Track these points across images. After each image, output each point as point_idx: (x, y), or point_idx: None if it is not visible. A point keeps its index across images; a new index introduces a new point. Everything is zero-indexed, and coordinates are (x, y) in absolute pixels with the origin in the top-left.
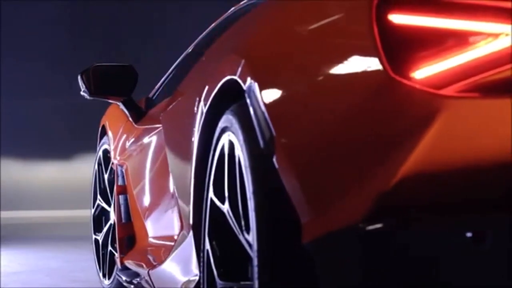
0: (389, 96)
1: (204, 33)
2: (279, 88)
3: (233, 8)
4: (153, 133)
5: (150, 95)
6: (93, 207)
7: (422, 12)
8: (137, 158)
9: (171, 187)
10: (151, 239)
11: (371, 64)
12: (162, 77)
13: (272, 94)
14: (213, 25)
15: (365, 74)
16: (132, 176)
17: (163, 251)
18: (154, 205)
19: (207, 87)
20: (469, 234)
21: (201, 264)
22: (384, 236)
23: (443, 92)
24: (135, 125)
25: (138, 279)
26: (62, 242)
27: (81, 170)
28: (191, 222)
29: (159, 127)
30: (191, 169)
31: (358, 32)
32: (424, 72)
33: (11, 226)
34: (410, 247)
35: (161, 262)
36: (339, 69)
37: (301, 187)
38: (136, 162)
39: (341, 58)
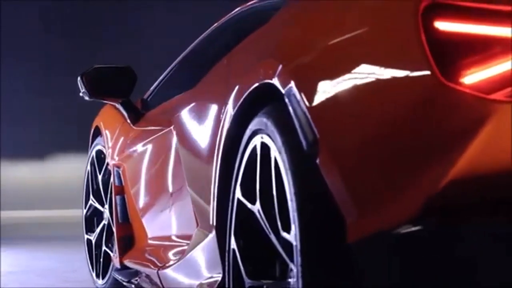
0: (440, 101)
1: (204, 35)
2: (323, 92)
3: (235, 10)
4: (154, 134)
5: (145, 96)
6: (85, 208)
7: (468, 20)
8: (137, 159)
9: (178, 188)
10: (155, 239)
11: (420, 69)
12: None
13: (315, 98)
14: (214, 27)
15: (413, 79)
16: (131, 177)
17: (174, 251)
18: (157, 205)
19: (235, 90)
20: None
21: (227, 263)
22: (432, 236)
23: (493, 96)
24: (133, 127)
25: (137, 279)
26: (51, 242)
27: (58, 171)
28: (212, 222)
29: (160, 129)
30: (213, 170)
31: (405, 38)
32: (473, 77)
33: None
34: (458, 247)
35: (174, 261)
36: (386, 74)
37: (347, 188)
38: (136, 163)
39: (388, 63)
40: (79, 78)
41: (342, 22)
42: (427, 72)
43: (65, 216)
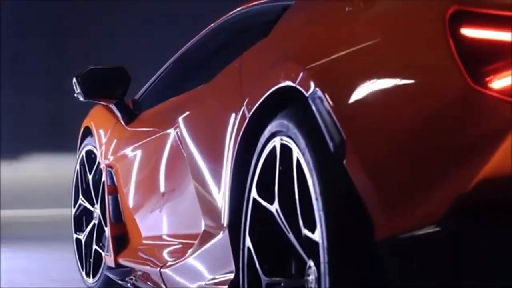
0: (469, 104)
1: (198, 37)
2: (348, 94)
3: (231, 13)
4: (151, 135)
5: (136, 97)
6: (74, 207)
7: (493, 27)
8: (132, 159)
9: (180, 187)
10: (151, 238)
11: (449, 73)
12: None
13: (341, 100)
14: (210, 28)
15: (442, 82)
16: (126, 177)
17: (176, 250)
18: (154, 205)
19: (251, 93)
20: None
21: (241, 262)
22: (460, 236)
23: None
24: (127, 127)
25: (132, 277)
26: (34, 241)
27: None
28: (224, 222)
29: (159, 129)
30: (226, 171)
31: (433, 43)
32: (500, 82)
33: None
34: (486, 247)
35: (178, 260)
36: (414, 77)
37: (375, 189)
38: (131, 164)
39: (416, 67)
40: (74, 79)
41: (368, 26)
42: (456, 76)
43: (37, 216)
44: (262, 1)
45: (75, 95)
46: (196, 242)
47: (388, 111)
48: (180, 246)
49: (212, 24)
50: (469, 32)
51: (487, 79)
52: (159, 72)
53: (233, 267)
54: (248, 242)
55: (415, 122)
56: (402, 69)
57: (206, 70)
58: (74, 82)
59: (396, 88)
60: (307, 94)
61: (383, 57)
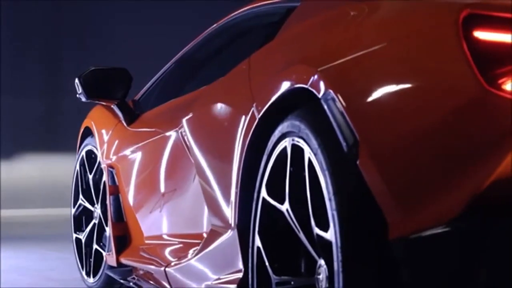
0: (483, 105)
1: (200, 38)
2: (362, 96)
3: (233, 14)
4: (155, 135)
5: (136, 97)
6: (74, 207)
7: (505, 30)
8: (135, 159)
9: (184, 188)
10: (154, 238)
11: (462, 75)
12: None
13: (354, 102)
14: (211, 30)
15: (456, 84)
16: (128, 177)
17: (182, 249)
18: (157, 205)
19: (261, 95)
20: None
21: (250, 261)
22: (473, 235)
23: None
24: (129, 128)
25: (134, 276)
26: (29, 241)
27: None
28: (231, 222)
29: (163, 129)
30: (234, 171)
31: (446, 45)
32: None
33: None
34: (499, 246)
35: (184, 260)
36: (428, 79)
37: (388, 189)
38: (134, 164)
39: (429, 69)
40: (76, 80)
41: (379, 28)
42: (470, 78)
43: (32, 216)
44: (264, 2)
45: (77, 95)
46: (202, 241)
47: (401, 112)
48: (184, 245)
49: (214, 25)
50: (482, 35)
51: (501, 81)
52: (160, 73)
53: (241, 266)
54: (258, 241)
55: (429, 122)
56: (415, 70)
57: (207, 71)
58: (76, 83)
59: (409, 89)
60: (319, 96)
61: (395, 59)
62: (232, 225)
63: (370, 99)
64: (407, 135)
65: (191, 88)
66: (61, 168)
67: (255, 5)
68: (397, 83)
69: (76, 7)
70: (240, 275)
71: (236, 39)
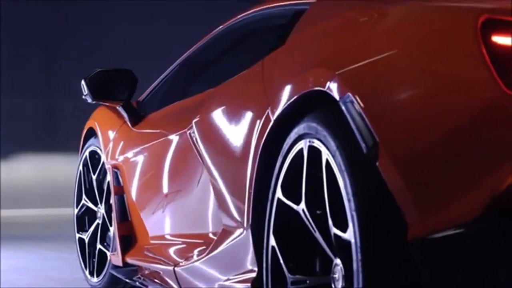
0: (502, 108)
1: (205, 39)
2: (381, 98)
3: (239, 16)
4: (162, 136)
5: (140, 99)
6: (77, 207)
7: None
8: (140, 160)
9: (192, 188)
10: (159, 238)
11: (482, 78)
12: None
13: (373, 104)
14: (216, 31)
15: (475, 87)
16: (133, 178)
17: (190, 249)
18: (167, 205)
19: (277, 97)
20: None
21: (264, 260)
22: (493, 236)
23: None
24: (134, 129)
25: (139, 276)
26: (29, 241)
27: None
28: (244, 222)
29: (168, 132)
30: (247, 172)
31: (465, 49)
32: None
33: None
34: None
35: (195, 259)
36: (447, 82)
37: (408, 190)
38: (140, 164)
39: (448, 72)
40: (82, 81)
41: (397, 32)
42: (490, 81)
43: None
44: (271, 5)
45: (83, 97)
46: (209, 241)
47: (420, 114)
48: (191, 245)
49: (220, 27)
50: (500, 39)
51: None
52: (164, 74)
53: (254, 266)
54: (272, 241)
55: (447, 125)
56: (433, 73)
57: (213, 73)
58: (82, 84)
59: (427, 91)
60: (338, 98)
61: (413, 62)
62: (245, 225)
63: (388, 101)
64: (426, 137)
65: (196, 90)
66: (61, 168)
67: (262, 7)
68: (415, 85)
69: (76, 7)
70: (253, 274)
71: (242, 41)
